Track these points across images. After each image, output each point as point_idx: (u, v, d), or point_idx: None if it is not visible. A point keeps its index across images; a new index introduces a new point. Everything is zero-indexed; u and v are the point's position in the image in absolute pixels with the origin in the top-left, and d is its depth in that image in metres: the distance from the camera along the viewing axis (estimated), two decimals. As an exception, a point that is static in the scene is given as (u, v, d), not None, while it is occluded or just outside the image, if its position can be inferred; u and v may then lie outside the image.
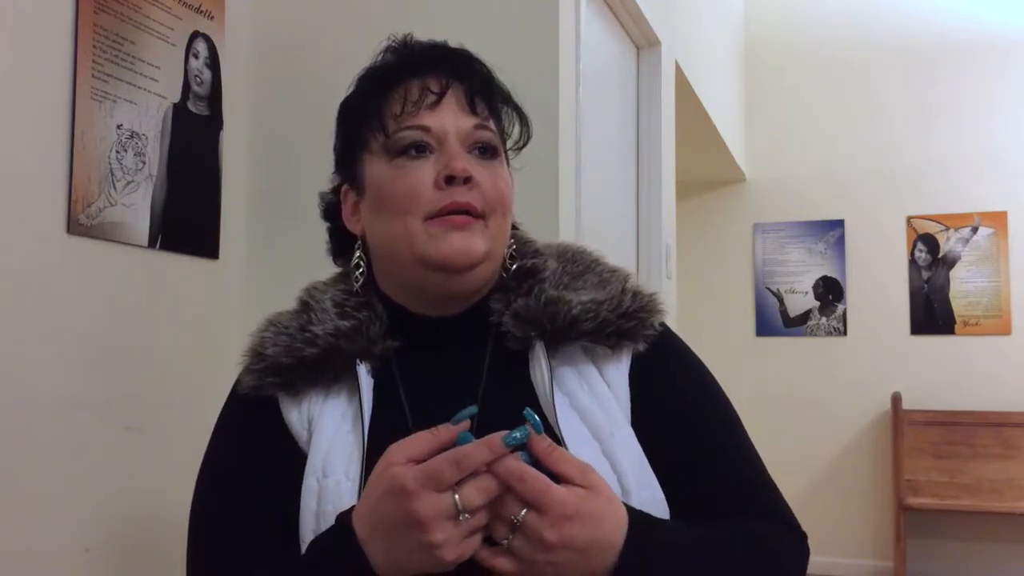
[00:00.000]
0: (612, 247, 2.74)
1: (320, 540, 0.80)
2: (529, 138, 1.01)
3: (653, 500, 0.86)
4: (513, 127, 0.99)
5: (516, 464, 0.73)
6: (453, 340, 0.94)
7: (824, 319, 5.17)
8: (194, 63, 1.96)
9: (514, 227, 0.99)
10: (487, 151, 0.93)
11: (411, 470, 0.73)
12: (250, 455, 0.90)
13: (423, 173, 0.89)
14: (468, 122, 0.92)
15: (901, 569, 4.63)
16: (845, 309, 5.14)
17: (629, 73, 2.98)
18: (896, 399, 4.87)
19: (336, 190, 1.01)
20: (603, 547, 0.75)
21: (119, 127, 1.74)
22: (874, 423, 5.03)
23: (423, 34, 1.03)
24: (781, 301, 5.27)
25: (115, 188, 1.72)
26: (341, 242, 1.01)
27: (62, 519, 1.60)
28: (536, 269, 0.96)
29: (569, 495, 0.74)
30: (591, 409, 0.89)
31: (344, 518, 0.78)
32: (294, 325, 0.93)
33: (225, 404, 0.98)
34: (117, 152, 1.73)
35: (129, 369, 1.75)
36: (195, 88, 1.96)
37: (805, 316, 5.21)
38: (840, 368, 5.09)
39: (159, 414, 1.76)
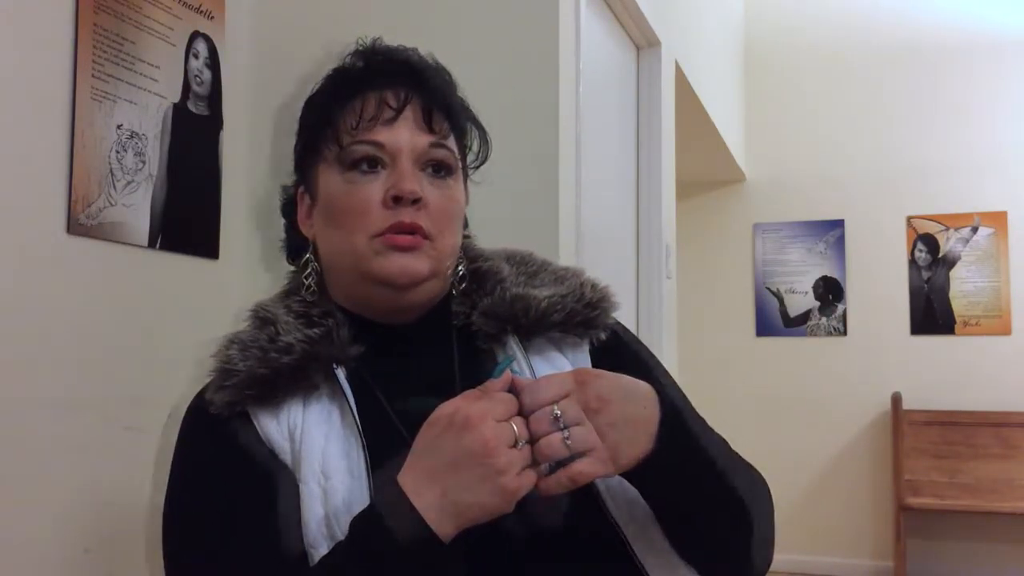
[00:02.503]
0: (612, 247, 2.73)
1: (365, 510, 0.79)
2: (488, 155, 1.01)
3: None
4: (474, 142, 0.99)
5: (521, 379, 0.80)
6: (415, 343, 0.96)
7: (824, 319, 5.17)
8: (194, 63, 1.96)
9: (467, 236, 1.01)
10: (440, 169, 0.93)
11: (472, 404, 0.77)
12: (237, 477, 0.88)
13: (373, 190, 0.90)
14: (423, 140, 0.92)
15: (901, 569, 4.63)
16: (845, 309, 5.14)
17: (629, 73, 2.98)
18: (896, 399, 4.87)
19: (295, 187, 1.01)
20: (642, 392, 0.82)
21: (119, 127, 1.74)
22: (874, 423, 5.04)
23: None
24: (781, 301, 5.27)
25: (115, 188, 1.72)
26: (296, 242, 1.01)
27: (62, 519, 1.60)
28: (493, 271, 0.98)
29: (581, 370, 0.83)
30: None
31: (386, 482, 0.78)
32: (262, 338, 0.91)
33: (189, 430, 0.94)
34: (117, 152, 1.73)
35: (129, 369, 1.75)
36: (195, 88, 1.96)
37: (805, 316, 5.21)
38: (840, 368, 5.09)
39: (159, 414, 1.76)
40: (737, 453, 0.96)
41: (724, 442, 0.95)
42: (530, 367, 0.91)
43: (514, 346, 0.92)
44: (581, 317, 0.95)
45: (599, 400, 0.78)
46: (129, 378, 1.75)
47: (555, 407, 0.77)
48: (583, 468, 0.76)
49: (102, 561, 1.66)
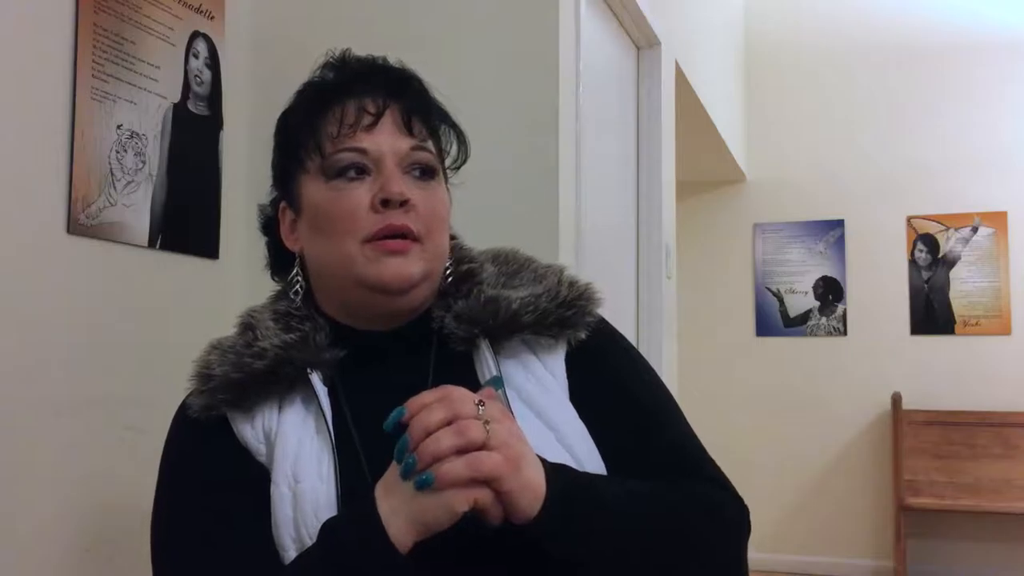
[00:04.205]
0: (612, 247, 2.74)
1: (335, 517, 0.81)
2: (467, 157, 1.00)
3: None
4: (451, 146, 0.99)
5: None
6: (395, 350, 0.95)
7: (824, 319, 5.17)
8: (194, 63, 1.96)
9: (452, 237, 1.00)
10: (424, 172, 0.93)
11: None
12: (215, 480, 0.89)
13: (360, 195, 0.90)
14: (405, 144, 0.92)
15: (901, 569, 4.63)
16: (845, 309, 5.14)
17: (629, 73, 2.98)
18: (896, 399, 4.87)
19: (275, 203, 1.01)
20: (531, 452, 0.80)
21: (119, 127, 1.74)
22: (874, 423, 5.04)
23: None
24: (781, 301, 5.27)
25: (115, 188, 1.72)
26: (280, 257, 1.01)
27: (62, 519, 1.60)
28: (472, 273, 0.98)
29: (486, 390, 0.83)
30: (540, 400, 0.91)
31: (367, 490, 0.79)
32: (240, 343, 0.93)
33: (171, 435, 0.96)
34: (117, 152, 1.73)
35: (129, 369, 1.75)
36: (195, 88, 1.96)
37: (805, 316, 5.21)
38: (840, 368, 5.09)
39: (159, 414, 1.76)
40: (695, 492, 0.90)
41: (667, 493, 0.87)
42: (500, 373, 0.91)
43: (486, 352, 0.92)
44: (555, 317, 0.93)
45: (504, 414, 0.79)
46: (129, 378, 1.75)
47: (477, 397, 0.78)
48: (489, 458, 0.75)
49: (102, 561, 1.66)
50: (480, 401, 0.77)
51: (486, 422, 0.76)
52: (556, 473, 0.79)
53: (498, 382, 0.86)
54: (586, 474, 0.85)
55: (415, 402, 0.77)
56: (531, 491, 0.77)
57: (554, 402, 0.91)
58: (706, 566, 0.88)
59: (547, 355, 0.95)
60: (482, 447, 0.75)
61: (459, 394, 0.77)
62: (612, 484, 0.85)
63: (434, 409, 0.76)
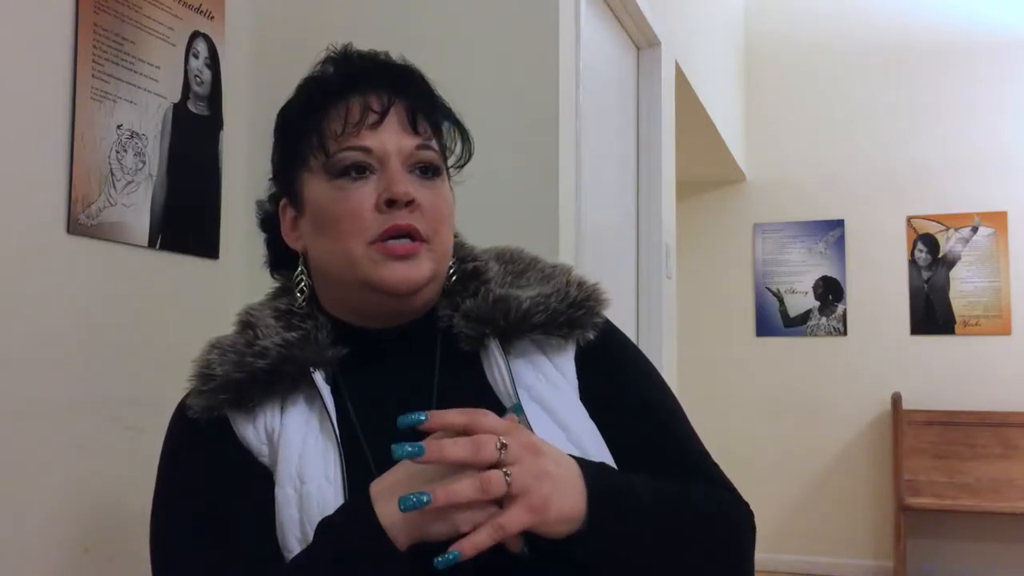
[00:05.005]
0: (612, 247, 2.74)
1: (331, 515, 0.80)
2: (471, 155, 0.99)
3: None
4: (455, 144, 0.98)
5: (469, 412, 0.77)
6: (399, 348, 0.94)
7: (824, 319, 5.17)
8: (194, 63, 1.96)
9: (454, 235, 0.99)
10: (429, 171, 0.92)
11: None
12: (215, 481, 0.88)
13: (364, 195, 0.88)
14: (410, 142, 0.90)
15: (901, 569, 4.63)
16: (845, 309, 5.14)
17: (629, 73, 2.98)
18: (896, 399, 4.87)
19: (274, 200, 0.99)
20: (570, 462, 0.78)
21: (119, 127, 1.74)
22: (874, 423, 5.04)
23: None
24: (781, 301, 5.27)
25: (115, 188, 1.72)
26: (279, 255, 1.00)
27: (62, 519, 1.60)
28: (478, 271, 0.97)
29: (511, 418, 0.80)
30: (551, 399, 0.90)
31: (363, 488, 0.78)
32: (240, 342, 0.91)
33: (171, 436, 0.95)
34: (117, 152, 1.73)
35: (129, 369, 1.75)
36: (195, 88, 1.96)
37: (805, 316, 5.21)
38: (840, 368, 5.09)
39: (159, 414, 1.76)
40: (704, 494, 0.89)
41: (683, 494, 0.87)
42: (511, 376, 0.89)
43: (496, 352, 0.91)
44: (565, 317, 0.93)
45: (525, 449, 0.75)
46: (129, 378, 1.75)
47: (499, 438, 0.74)
48: (511, 519, 0.72)
49: (102, 561, 1.66)
50: (503, 445, 0.74)
51: (506, 472, 0.73)
52: (594, 483, 0.77)
53: (519, 409, 0.85)
54: (621, 486, 0.81)
55: (438, 418, 0.75)
56: (563, 524, 0.75)
57: (565, 401, 0.91)
58: (707, 567, 0.87)
59: (557, 355, 0.94)
60: (504, 495, 0.73)
61: (484, 438, 0.74)
62: (643, 492, 0.83)
63: (457, 446, 0.73)
